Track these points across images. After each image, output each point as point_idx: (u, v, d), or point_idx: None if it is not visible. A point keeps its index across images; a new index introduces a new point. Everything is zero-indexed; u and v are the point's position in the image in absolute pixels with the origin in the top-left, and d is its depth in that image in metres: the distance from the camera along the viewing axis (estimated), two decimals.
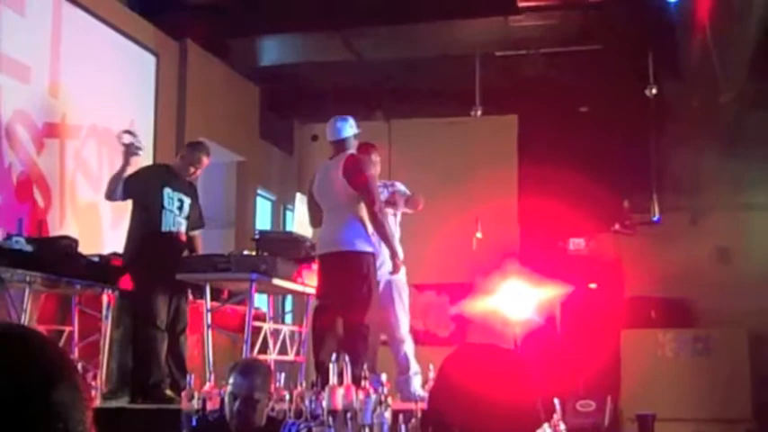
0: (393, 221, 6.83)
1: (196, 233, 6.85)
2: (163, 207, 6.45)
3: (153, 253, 6.33)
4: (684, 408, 10.14)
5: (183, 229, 6.59)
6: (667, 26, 9.07)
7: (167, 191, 6.49)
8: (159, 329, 6.32)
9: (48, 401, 1.07)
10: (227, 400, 4.06)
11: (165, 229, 6.44)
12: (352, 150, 6.31)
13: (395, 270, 6.25)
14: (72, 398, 1.09)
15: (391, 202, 6.81)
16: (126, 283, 6.48)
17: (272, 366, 6.14)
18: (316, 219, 6.48)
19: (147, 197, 6.47)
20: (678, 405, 10.10)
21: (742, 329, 10.52)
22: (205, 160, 6.73)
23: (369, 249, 6.11)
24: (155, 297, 6.31)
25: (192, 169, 6.67)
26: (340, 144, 6.34)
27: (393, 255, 6.20)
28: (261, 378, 4.07)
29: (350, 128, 6.34)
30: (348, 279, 6.03)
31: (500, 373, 1.74)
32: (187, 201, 6.63)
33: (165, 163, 7.15)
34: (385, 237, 6.14)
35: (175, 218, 6.52)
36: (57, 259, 5.83)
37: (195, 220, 6.77)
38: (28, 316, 5.74)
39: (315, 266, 6.46)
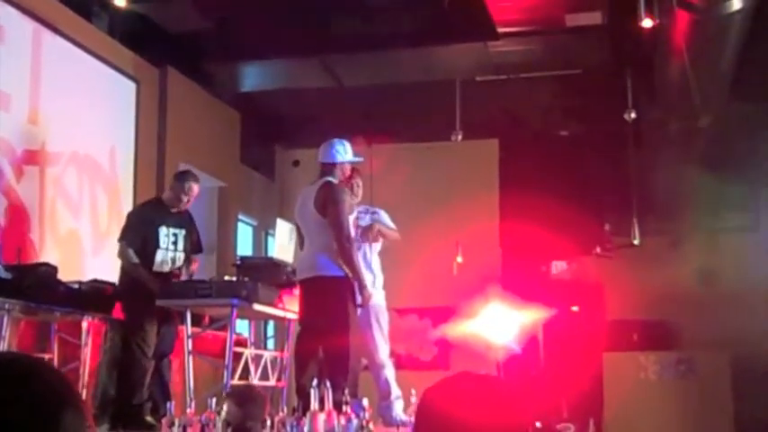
0: (370, 250, 6.79)
1: (194, 257, 6.84)
2: (158, 247, 6.48)
3: (145, 287, 6.32)
4: (668, 430, 10.14)
5: (179, 261, 6.59)
6: (645, 51, 9.16)
7: (162, 229, 6.54)
8: (146, 357, 6.33)
9: (60, 424, 1.15)
10: (220, 426, 4.11)
11: (156, 268, 6.47)
12: (332, 178, 6.19)
13: (364, 302, 6.07)
14: (79, 422, 1.18)
15: (373, 231, 6.78)
16: (117, 312, 6.51)
17: None
18: (300, 242, 6.47)
19: (143, 239, 6.50)
20: (661, 428, 10.11)
21: (724, 351, 10.53)
22: (195, 188, 6.71)
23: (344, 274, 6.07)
24: (146, 325, 6.33)
25: (186, 199, 6.65)
26: (324, 168, 6.28)
27: (361, 287, 6.00)
28: (255, 407, 4.13)
29: (340, 154, 6.24)
30: (325, 304, 5.98)
31: (482, 399, 1.73)
32: (181, 233, 6.63)
33: (157, 197, 7.12)
34: (352, 269, 5.98)
35: (168, 254, 6.54)
36: (36, 286, 5.79)
37: (193, 246, 6.77)
38: (6, 343, 5.69)
39: (296, 291, 6.45)
